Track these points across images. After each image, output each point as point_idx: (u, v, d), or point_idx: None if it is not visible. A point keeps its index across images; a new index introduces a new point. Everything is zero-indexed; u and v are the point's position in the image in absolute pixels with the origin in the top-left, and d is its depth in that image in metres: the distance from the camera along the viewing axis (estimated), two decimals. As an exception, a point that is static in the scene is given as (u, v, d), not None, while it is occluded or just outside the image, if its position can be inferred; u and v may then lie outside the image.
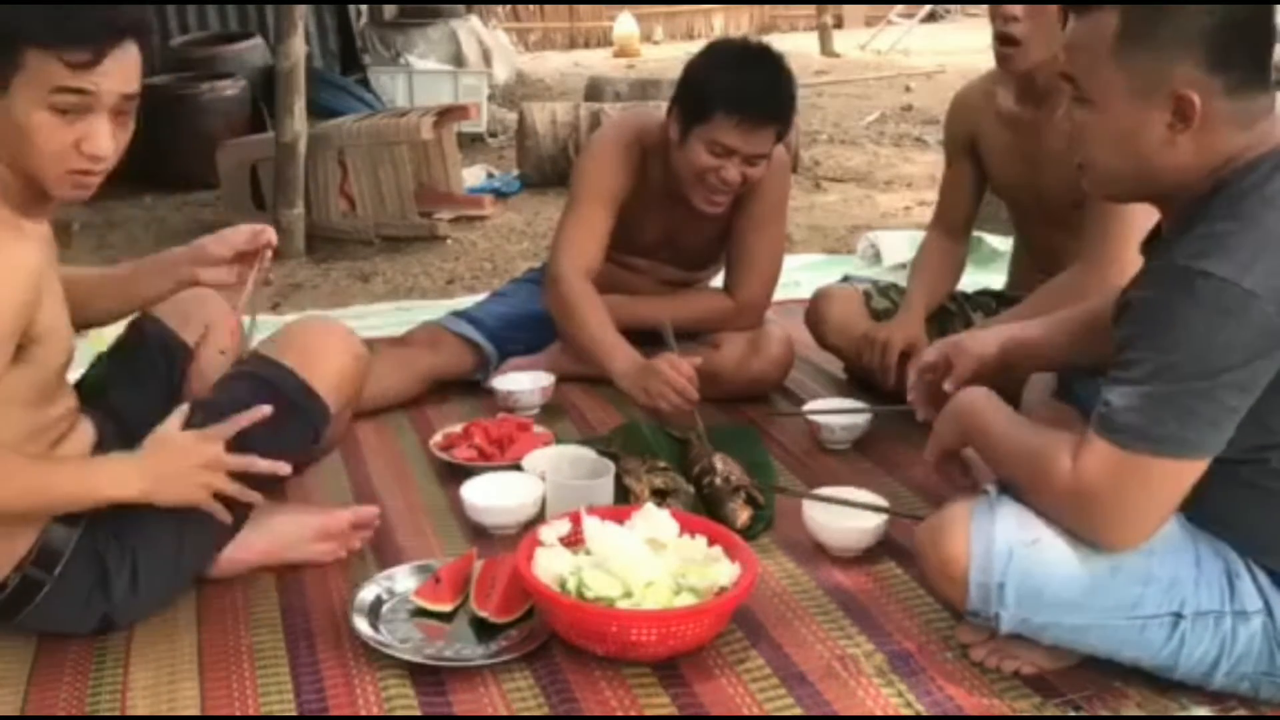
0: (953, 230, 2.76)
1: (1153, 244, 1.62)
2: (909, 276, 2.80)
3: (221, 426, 1.73)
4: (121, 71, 1.57)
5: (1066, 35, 1.52)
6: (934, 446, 1.82)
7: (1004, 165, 2.58)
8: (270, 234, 1.97)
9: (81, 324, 1.90)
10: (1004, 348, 1.89)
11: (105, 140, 1.58)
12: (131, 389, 2.01)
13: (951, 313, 2.75)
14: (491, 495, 2.16)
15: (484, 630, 1.79)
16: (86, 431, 1.85)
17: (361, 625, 1.77)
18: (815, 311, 2.81)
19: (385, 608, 1.84)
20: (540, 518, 2.09)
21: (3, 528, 1.67)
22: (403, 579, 1.90)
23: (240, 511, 1.81)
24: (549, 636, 1.76)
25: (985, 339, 1.92)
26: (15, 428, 1.66)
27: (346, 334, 2.03)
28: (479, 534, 2.13)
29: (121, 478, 1.67)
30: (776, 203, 2.72)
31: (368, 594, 1.85)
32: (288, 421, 1.83)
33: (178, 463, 1.70)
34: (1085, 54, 1.47)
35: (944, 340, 1.99)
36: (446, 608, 1.84)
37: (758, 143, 2.47)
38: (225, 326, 2.06)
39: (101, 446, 1.85)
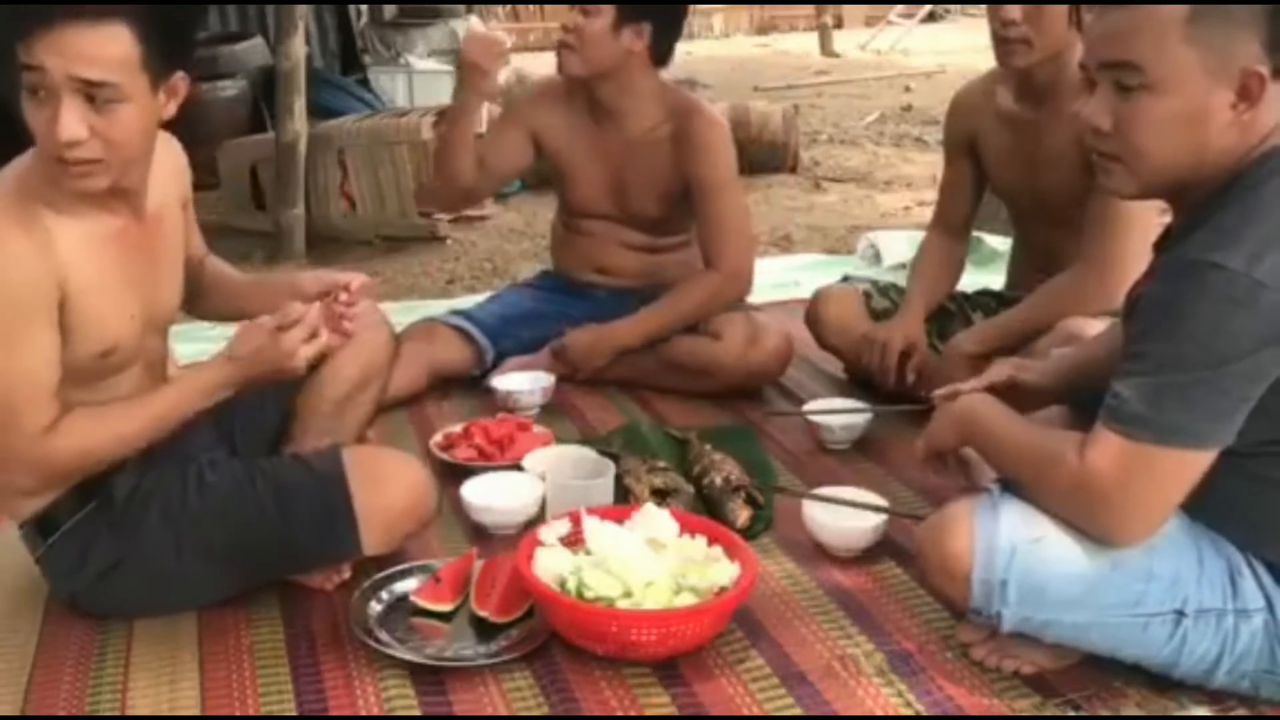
0: (952, 230, 2.76)
1: (1164, 242, 1.62)
2: (908, 277, 2.80)
3: (297, 333, 1.80)
4: (72, 49, 1.53)
5: (1111, 24, 1.48)
6: (929, 445, 1.82)
7: (1003, 165, 2.58)
8: (349, 283, 1.98)
9: (215, 318, 2.19)
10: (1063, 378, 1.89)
11: (67, 123, 1.54)
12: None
13: (951, 313, 2.75)
14: (492, 495, 2.16)
15: (484, 630, 1.79)
16: None
17: (361, 625, 1.77)
18: (815, 311, 2.81)
19: (385, 607, 1.84)
20: (540, 518, 2.09)
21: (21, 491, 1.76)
22: (403, 579, 1.90)
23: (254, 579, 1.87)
24: (549, 636, 1.76)
25: (1040, 371, 1.91)
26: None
27: (422, 468, 1.96)
28: (479, 534, 2.13)
29: (216, 373, 1.81)
30: (723, 164, 2.75)
31: (368, 594, 1.85)
32: (313, 525, 1.80)
33: (257, 339, 1.80)
34: (1150, 38, 1.43)
35: (1010, 363, 1.97)
36: (446, 607, 1.84)
37: None
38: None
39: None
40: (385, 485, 1.85)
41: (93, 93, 1.55)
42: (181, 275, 1.93)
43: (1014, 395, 1.81)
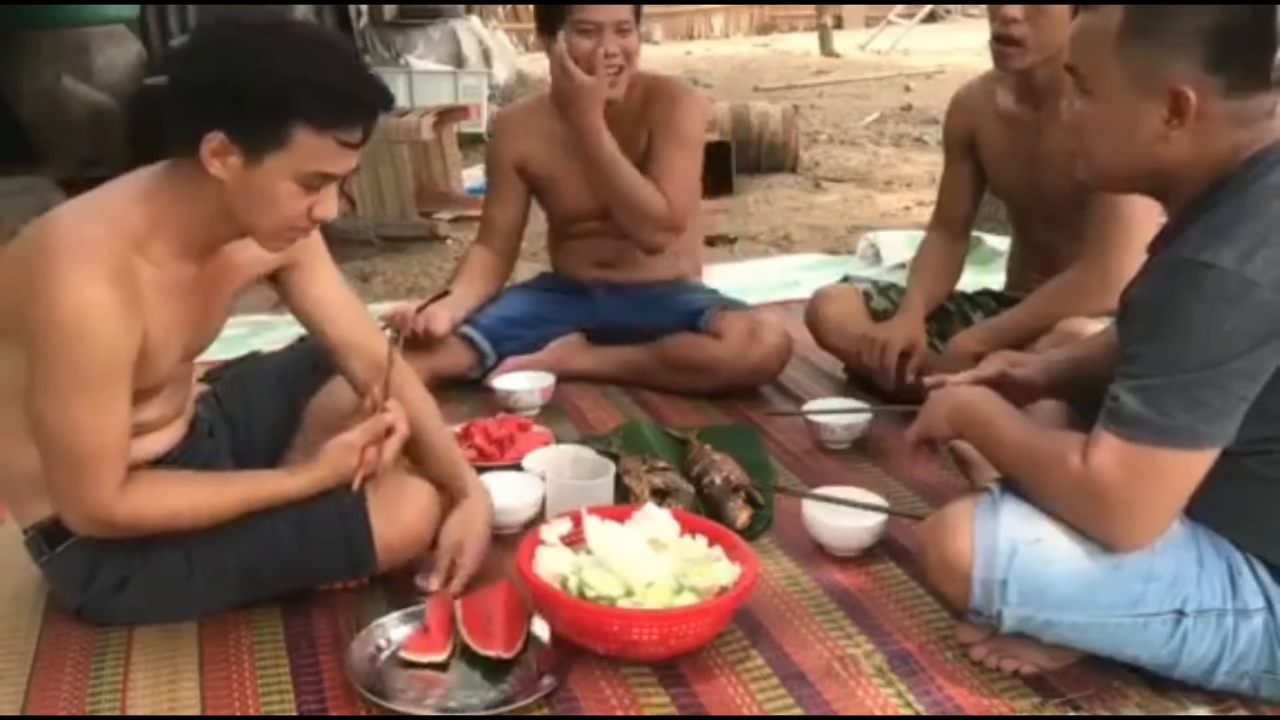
0: (952, 230, 2.76)
1: (1157, 242, 1.62)
2: (908, 276, 2.80)
3: (374, 422, 1.81)
4: (357, 151, 1.64)
5: (1073, 28, 1.54)
6: (920, 432, 1.83)
7: (1003, 165, 2.58)
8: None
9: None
10: (1051, 373, 1.90)
11: (333, 205, 1.67)
12: (264, 386, 2.11)
13: (951, 313, 2.75)
14: (492, 495, 2.15)
15: (493, 670, 1.70)
16: (167, 437, 1.87)
17: (368, 685, 1.65)
18: (815, 311, 2.81)
19: (382, 660, 1.72)
20: (540, 518, 2.09)
21: (29, 493, 1.74)
22: (394, 628, 1.78)
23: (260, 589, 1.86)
24: (562, 677, 1.68)
25: (1033, 365, 1.93)
26: None
27: (432, 493, 1.93)
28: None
29: (293, 479, 1.79)
30: (689, 127, 2.76)
31: (365, 646, 1.73)
32: (331, 548, 1.82)
33: (338, 458, 1.79)
34: (1089, 46, 1.49)
35: (1002, 356, 1.98)
36: (441, 657, 1.72)
37: (613, 9, 2.58)
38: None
39: (194, 435, 1.92)
40: (402, 511, 1.85)
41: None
42: (225, 321, 1.92)
43: (1004, 389, 1.81)
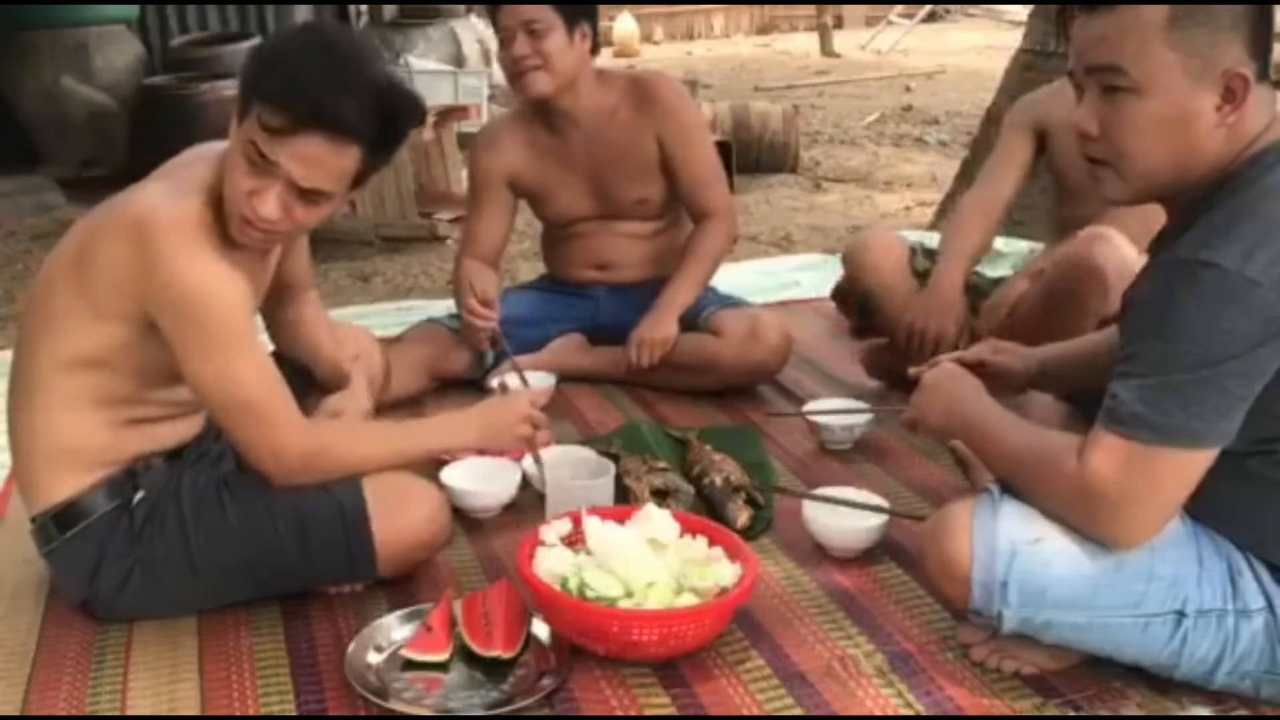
0: (995, 204, 2.68)
1: (1157, 243, 1.62)
2: (940, 242, 2.74)
3: (531, 394, 2.18)
4: (307, 161, 1.64)
5: (1095, 29, 1.49)
6: (912, 420, 1.84)
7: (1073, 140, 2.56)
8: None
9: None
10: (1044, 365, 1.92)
11: (268, 205, 1.67)
12: None
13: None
14: (470, 479, 2.19)
15: (493, 669, 1.70)
16: (194, 424, 1.92)
17: (367, 685, 1.65)
18: (858, 249, 2.82)
19: (382, 660, 1.72)
20: (519, 500, 2.16)
21: (49, 472, 1.76)
22: (394, 628, 1.78)
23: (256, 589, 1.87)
24: (564, 676, 1.68)
25: (1028, 356, 1.94)
26: (130, 391, 1.77)
27: (440, 496, 1.97)
28: (460, 518, 2.12)
29: (461, 430, 2.00)
30: (690, 110, 2.85)
31: (363, 648, 1.73)
32: (330, 550, 1.81)
33: (504, 416, 2.00)
34: (1134, 40, 1.44)
35: (989, 344, 1.99)
36: (443, 657, 1.72)
37: (516, 10, 2.60)
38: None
39: (206, 430, 1.95)
40: (404, 513, 1.85)
41: (307, 195, 1.69)
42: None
43: (984, 375, 1.82)
